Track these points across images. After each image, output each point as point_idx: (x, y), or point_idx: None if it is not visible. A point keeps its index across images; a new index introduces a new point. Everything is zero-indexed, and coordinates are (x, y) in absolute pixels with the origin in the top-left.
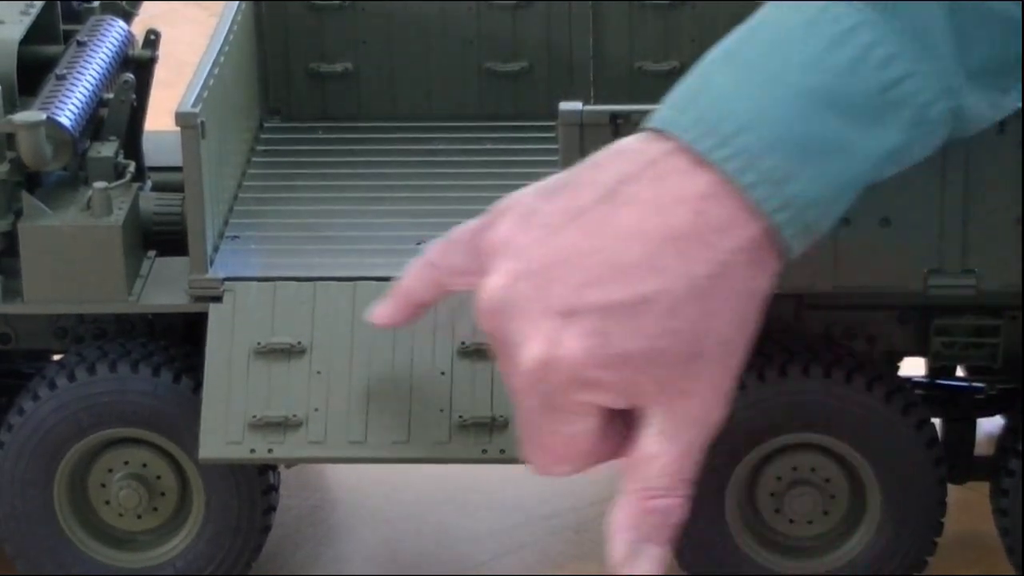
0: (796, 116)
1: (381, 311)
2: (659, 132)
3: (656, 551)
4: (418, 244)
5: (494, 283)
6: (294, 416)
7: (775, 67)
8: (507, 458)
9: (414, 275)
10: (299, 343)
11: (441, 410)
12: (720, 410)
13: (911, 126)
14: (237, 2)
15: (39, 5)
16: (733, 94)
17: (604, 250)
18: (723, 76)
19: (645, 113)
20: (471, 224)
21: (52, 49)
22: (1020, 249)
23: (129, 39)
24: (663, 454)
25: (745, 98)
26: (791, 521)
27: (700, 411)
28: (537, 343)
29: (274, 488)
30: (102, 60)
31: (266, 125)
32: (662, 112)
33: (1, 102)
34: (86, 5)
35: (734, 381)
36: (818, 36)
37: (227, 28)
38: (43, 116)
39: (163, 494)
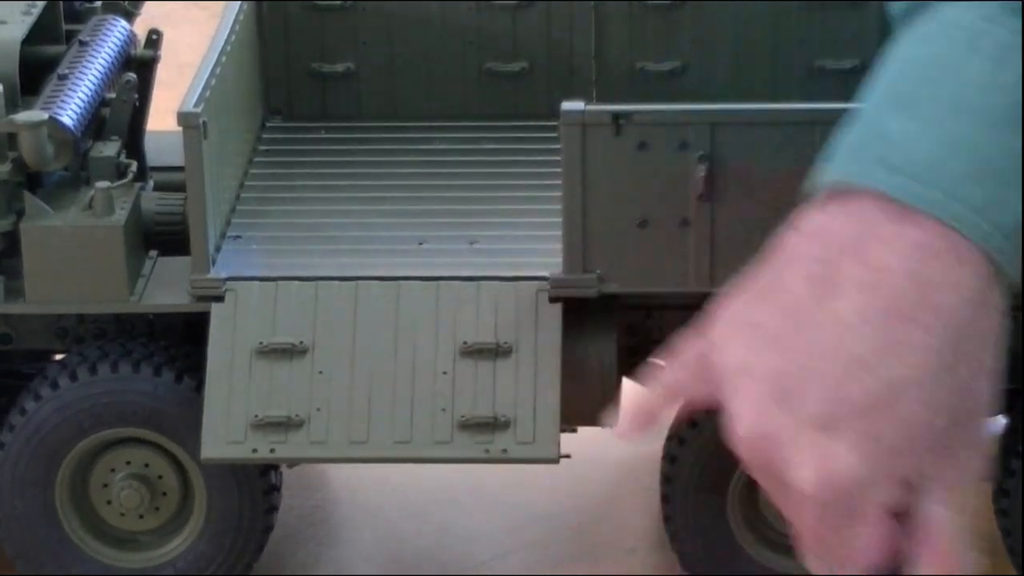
0: (985, 141)
1: (626, 429)
2: (841, 191)
3: None
4: (420, 244)
5: (746, 414)
6: (296, 416)
7: (950, 97)
8: (508, 458)
9: (651, 398)
10: (301, 343)
11: (443, 409)
12: (986, 453)
13: None
14: (238, 3)
15: (41, 5)
16: (915, 133)
17: (838, 347)
18: (896, 118)
19: (646, 113)
20: (690, 344)
21: (54, 49)
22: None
23: (131, 39)
24: (953, 517)
25: (929, 134)
26: None
27: (973, 465)
28: (809, 465)
29: (276, 488)
30: (104, 60)
31: (268, 125)
32: (839, 166)
33: (3, 102)
34: (88, 5)
35: (987, 419)
36: (982, 58)
37: (228, 29)
38: (45, 116)
39: (165, 494)
